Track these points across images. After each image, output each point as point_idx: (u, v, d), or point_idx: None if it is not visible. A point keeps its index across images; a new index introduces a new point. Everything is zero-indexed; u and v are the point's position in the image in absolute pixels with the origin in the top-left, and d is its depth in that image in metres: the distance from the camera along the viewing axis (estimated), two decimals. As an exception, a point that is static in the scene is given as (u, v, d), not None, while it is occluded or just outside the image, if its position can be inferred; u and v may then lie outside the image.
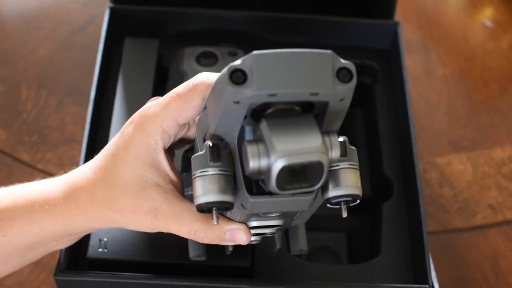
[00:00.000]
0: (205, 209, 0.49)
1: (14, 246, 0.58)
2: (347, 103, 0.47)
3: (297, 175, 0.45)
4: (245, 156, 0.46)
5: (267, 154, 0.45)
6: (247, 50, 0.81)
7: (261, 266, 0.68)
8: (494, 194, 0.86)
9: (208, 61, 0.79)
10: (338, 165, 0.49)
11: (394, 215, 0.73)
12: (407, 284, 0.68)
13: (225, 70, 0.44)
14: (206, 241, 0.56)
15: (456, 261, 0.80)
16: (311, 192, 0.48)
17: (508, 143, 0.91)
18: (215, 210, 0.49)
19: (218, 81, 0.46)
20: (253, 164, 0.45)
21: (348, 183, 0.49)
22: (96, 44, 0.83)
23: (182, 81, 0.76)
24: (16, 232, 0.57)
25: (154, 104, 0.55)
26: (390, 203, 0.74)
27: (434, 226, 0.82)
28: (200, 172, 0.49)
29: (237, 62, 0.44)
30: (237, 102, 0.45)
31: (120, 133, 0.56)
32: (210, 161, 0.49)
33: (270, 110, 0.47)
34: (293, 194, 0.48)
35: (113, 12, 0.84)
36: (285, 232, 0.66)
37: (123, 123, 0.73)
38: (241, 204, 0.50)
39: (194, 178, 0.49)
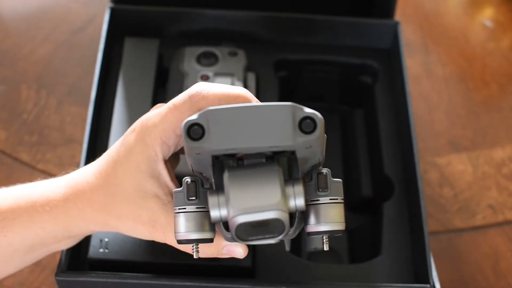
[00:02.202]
0: (185, 243, 0.51)
1: (15, 246, 0.58)
2: (316, 149, 0.46)
3: (258, 227, 0.45)
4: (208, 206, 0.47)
5: (227, 206, 0.46)
6: (247, 50, 0.81)
7: (262, 266, 0.68)
8: (494, 194, 0.86)
9: (209, 61, 0.79)
10: (318, 200, 0.49)
11: (395, 214, 0.73)
12: (408, 284, 0.68)
13: (183, 123, 0.44)
14: (203, 255, 0.56)
15: (456, 261, 0.80)
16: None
17: (508, 143, 0.91)
18: (195, 245, 0.50)
19: (181, 130, 0.46)
20: (214, 214, 0.47)
21: (329, 219, 0.49)
22: (96, 44, 0.83)
23: (182, 81, 0.77)
24: (17, 232, 0.57)
25: (154, 114, 0.55)
26: (390, 202, 0.74)
27: (434, 226, 0.82)
28: (179, 209, 0.50)
29: (194, 117, 0.44)
30: (199, 154, 0.45)
31: (122, 140, 0.56)
32: (187, 199, 0.50)
33: (239, 155, 0.47)
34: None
35: (113, 12, 0.84)
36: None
37: (124, 124, 0.74)
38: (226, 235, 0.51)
39: (174, 213, 0.51)
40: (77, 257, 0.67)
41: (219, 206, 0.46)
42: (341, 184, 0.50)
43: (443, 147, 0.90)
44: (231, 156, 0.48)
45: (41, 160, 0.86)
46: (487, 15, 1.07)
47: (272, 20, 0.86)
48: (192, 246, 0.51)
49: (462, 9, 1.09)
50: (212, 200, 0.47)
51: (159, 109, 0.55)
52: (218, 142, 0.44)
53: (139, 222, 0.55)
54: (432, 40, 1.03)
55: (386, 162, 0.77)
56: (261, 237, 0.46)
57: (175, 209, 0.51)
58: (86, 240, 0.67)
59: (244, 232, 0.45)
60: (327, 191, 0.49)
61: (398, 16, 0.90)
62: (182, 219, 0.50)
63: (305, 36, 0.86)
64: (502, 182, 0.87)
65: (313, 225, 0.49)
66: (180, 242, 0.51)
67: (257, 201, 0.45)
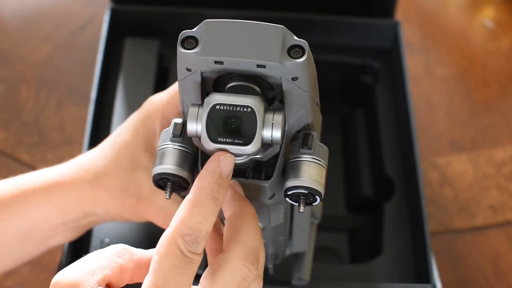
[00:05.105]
0: (160, 183, 0.49)
1: (12, 231, 0.58)
2: (303, 85, 0.45)
3: (231, 126, 0.45)
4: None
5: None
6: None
7: (263, 266, 0.67)
8: (495, 195, 0.86)
9: (209, 61, 0.79)
10: (300, 157, 0.48)
11: (396, 214, 0.73)
12: (409, 284, 0.68)
13: (180, 34, 0.45)
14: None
15: (457, 261, 0.80)
16: (248, 158, 0.47)
17: (508, 143, 0.91)
18: (169, 184, 0.49)
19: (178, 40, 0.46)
20: (191, 126, 0.46)
21: (308, 176, 0.47)
22: (96, 44, 0.83)
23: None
24: (13, 215, 0.58)
25: (162, 92, 0.58)
26: (391, 203, 0.74)
27: (434, 226, 0.82)
28: (161, 146, 0.49)
29: (192, 30, 0.45)
30: (189, 70, 0.45)
31: (129, 117, 0.59)
32: (172, 136, 0.49)
33: (228, 87, 0.47)
34: (247, 178, 0.48)
35: (113, 12, 0.84)
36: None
37: (124, 123, 0.74)
38: None
39: (157, 150, 0.50)
40: (78, 258, 0.66)
41: (197, 119, 0.46)
42: (327, 152, 0.49)
43: (443, 147, 0.90)
44: (220, 90, 0.48)
45: (41, 160, 0.86)
46: (487, 15, 1.07)
47: (272, 20, 0.85)
48: (166, 187, 0.49)
49: (462, 9, 1.09)
50: (192, 110, 0.46)
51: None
52: (207, 50, 0.44)
53: (125, 194, 0.56)
54: (432, 40, 1.03)
55: (387, 162, 0.77)
56: (230, 141, 0.45)
57: (158, 146, 0.50)
58: (87, 240, 0.67)
59: (215, 127, 0.45)
60: (311, 150, 0.48)
61: (399, 16, 0.90)
62: (161, 153, 0.49)
63: (305, 36, 0.86)
64: (502, 182, 0.87)
65: (292, 180, 0.47)
66: (155, 179, 0.49)
67: (235, 96, 0.45)
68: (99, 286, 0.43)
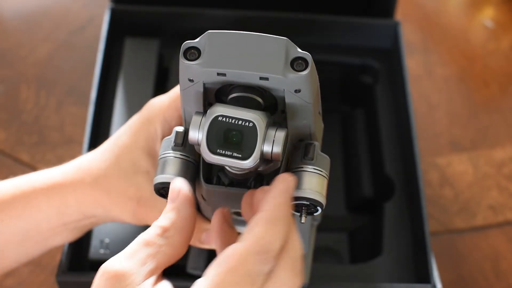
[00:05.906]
0: (162, 191, 0.49)
1: (12, 232, 0.58)
2: (306, 96, 0.45)
3: (231, 139, 0.45)
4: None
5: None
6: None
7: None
8: (495, 195, 0.86)
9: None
10: (302, 167, 0.48)
11: (396, 214, 0.73)
12: (409, 284, 0.68)
13: (182, 45, 0.45)
14: None
15: (457, 261, 0.80)
16: (245, 170, 0.47)
17: (508, 143, 0.91)
18: None
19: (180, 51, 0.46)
20: (192, 134, 0.46)
21: (310, 187, 0.47)
22: (96, 44, 0.82)
23: (182, 81, 0.77)
24: (13, 215, 0.58)
25: (163, 95, 0.58)
26: (391, 203, 0.74)
27: (434, 226, 0.82)
28: (162, 154, 0.49)
29: (194, 40, 0.45)
30: (191, 80, 0.45)
31: (129, 120, 0.59)
32: (174, 145, 0.49)
33: (230, 97, 0.47)
34: (249, 188, 0.48)
35: (113, 12, 0.84)
36: None
37: (124, 123, 0.74)
38: (202, 196, 0.50)
39: (158, 159, 0.50)
40: (78, 258, 0.67)
41: (199, 128, 0.46)
42: (329, 161, 0.49)
43: (443, 147, 0.90)
44: (222, 101, 0.48)
45: (41, 161, 0.86)
46: (487, 15, 1.07)
47: (272, 20, 0.85)
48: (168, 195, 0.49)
49: (462, 9, 1.09)
50: (195, 118, 0.46)
51: (169, 91, 0.58)
52: (210, 62, 0.44)
53: (126, 197, 0.56)
54: (432, 40, 1.03)
55: (387, 162, 0.77)
56: (229, 153, 0.45)
57: (159, 155, 0.50)
58: (87, 240, 0.67)
59: (216, 138, 0.44)
60: (312, 160, 0.48)
61: (398, 16, 0.90)
62: (163, 162, 0.49)
63: (305, 36, 0.86)
64: (502, 182, 0.87)
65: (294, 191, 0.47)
66: (156, 188, 0.49)
67: (238, 109, 0.45)
68: (152, 275, 0.42)
